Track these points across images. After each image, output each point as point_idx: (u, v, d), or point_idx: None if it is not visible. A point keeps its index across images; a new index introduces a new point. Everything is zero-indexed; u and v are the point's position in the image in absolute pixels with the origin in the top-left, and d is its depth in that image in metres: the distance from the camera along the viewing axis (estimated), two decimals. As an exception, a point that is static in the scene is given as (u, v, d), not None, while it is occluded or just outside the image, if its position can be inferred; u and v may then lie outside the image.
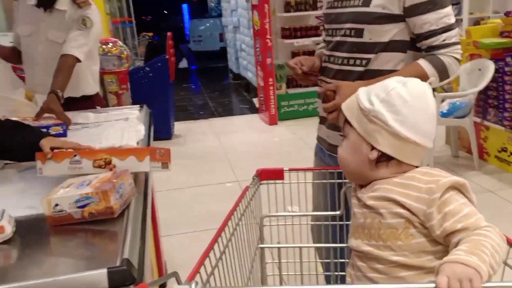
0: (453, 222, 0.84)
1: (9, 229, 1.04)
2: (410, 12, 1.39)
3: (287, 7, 5.79)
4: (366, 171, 0.98)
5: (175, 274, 0.70)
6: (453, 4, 6.61)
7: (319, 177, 1.48)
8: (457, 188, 0.89)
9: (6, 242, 1.03)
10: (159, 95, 5.01)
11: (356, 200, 1.01)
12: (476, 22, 7.32)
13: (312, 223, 1.55)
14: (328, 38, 1.58)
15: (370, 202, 0.95)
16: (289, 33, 5.82)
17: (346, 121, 1.00)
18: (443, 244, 0.88)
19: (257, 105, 6.35)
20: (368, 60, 1.45)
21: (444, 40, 1.38)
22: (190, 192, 3.80)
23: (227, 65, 10.13)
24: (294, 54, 5.90)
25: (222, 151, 4.82)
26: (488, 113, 3.83)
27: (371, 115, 0.95)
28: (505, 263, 0.89)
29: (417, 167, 0.97)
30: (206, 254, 0.87)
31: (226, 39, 10.16)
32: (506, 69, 3.57)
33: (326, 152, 1.65)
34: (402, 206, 0.90)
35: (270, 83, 5.64)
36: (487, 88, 3.72)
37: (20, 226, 1.08)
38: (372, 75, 1.43)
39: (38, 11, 2.32)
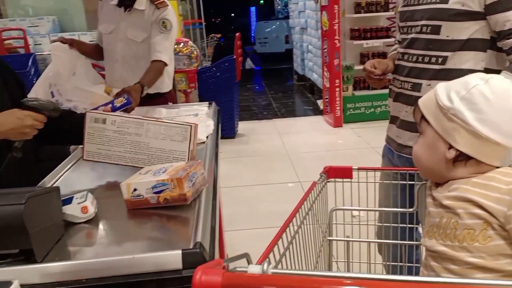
0: None
1: (91, 210, 1.12)
2: (492, 9, 1.33)
3: (357, 8, 5.71)
4: (443, 170, 0.95)
5: (246, 255, 0.72)
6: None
7: (387, 178, 1.45)
8: None
9: (89, 221, 1.12)
10: (225, 94, 5.13)
11: (431, 199, 0.99)
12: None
13: (380, 224, 1.52)
14: (403, 36, 1.55)
15: (446, 202, 0.93)
16: (358, 34, 5.73)
17: (423, 117, 0.98)
18: None
19: (321, 107, 6.31)
20: (445, 58, 1.41)
21: None
22: (252, 190, 3.86)
23: (292, 66, 10.15)
24: (363, 56, 5.80)
25: (285, 152, 4.84)
26: None
27: (450, 113, 0.92)
28: None
29: (497, 167, 0.93)
30: (276, 240, 0.89)
31: (292, 40, 10.19)
32: None
33: (395, 153, 1.62)
34: (481, 207, 0.87)
35: (336, 84, 5.59)
36: None
37: (101, 208, 1.17)
38: (448, 74, 1.38)
39: (119, 11, 2.47)
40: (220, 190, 2.38)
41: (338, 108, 5.63)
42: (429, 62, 1.44)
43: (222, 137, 5.12)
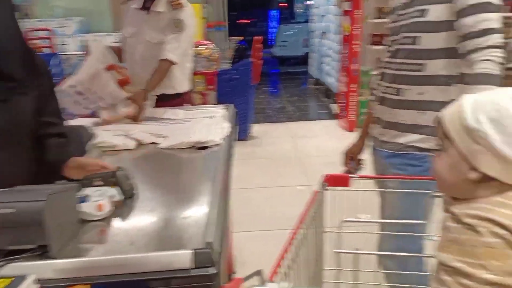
0: None
1: (107, 207, 1.16)
2: (457, 16, 1.44)
3: (380, 14, 5.71)
4: (464, 189, 0.95)
5: (259, 273, 0.74)
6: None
7: (389, 185, 1.51)
8: None
9: (105, 219, 1.16)
10: (240, 96, 5.16)
11: (450, 214, 0.98)
12: None
13: (387, 232, 1.55)
14: (390, 48, 1.69)
15: (467, 220, 0.91)
16: (380, 39, 5.72)
17: (446, 134, 0.96)
18: None
19: (335, 111, 6.31)
20: (424, 65, 1.53)
21: (478, 45, 1.39)
22: (262, 192, 3.88)
23: (307, 70, 10.15)
24: (380, 61, 5.79)
25: (297, 155, 4.86)
26: None
27: (476, 135, 0.90)
28: None
29: None
30: (283, 255, 0.91)
31: (311, 44, 10.19)
32: None
33: (377, 149, 1.72)
34: (504, 227, 0.87)
35: (352, 88, 5.60)
36: None
37: (117, 207, 1.21)
38: (427, 80, 1.53)
39: (141, 14, 2.52)
40: (230, 191, 2.43)
41: (353, 112, 5.63)
42: (410, 70, 1.56)
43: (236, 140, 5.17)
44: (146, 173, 1.61)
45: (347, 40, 5.66)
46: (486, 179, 0.91)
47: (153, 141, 1.83)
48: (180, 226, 1.15)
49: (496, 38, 1.39)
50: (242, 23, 19.75)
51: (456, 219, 0.94)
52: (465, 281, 0.89)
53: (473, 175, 0.91)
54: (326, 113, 6.91)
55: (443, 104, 1.03)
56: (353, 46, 5.49)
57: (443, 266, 0.95)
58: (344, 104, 5.75)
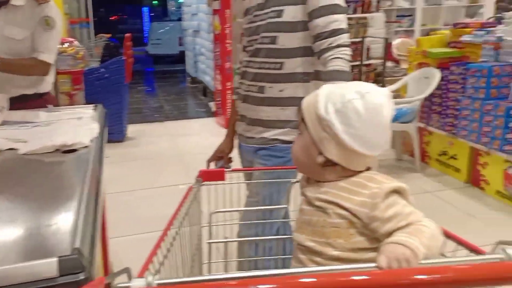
0: (396, 222, 0.90)
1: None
2: (309, 16, 1.57)
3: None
4: (314, 171, 1.03)
5: (126, 270, 0.73)
6: (405, 16, 6.89)
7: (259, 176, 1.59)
8: (398, 192, 0.94)
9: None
10: (113, 96, 4.96)
11: (303, 198, 1.07)
12: (428, 33, 7.70)
13: (255, 221, 1.62)
14: (249, 48, 1.75)
15: (317, 203, 1.00)
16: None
17: (304, 119, 1.03)
18: (382, 241, 0.92)
19: (213, 109, 6.39)
20: (282, 63, 1.63)
21: (330, 44, 1.54)
22: (142, 194, 3.79)
23: (184, 68, 10.10)
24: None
25: (177, 153, 4.82)
26: (431, 119, 4.05)
27: (324, 123, 0.97)
28: (442, 255, 0.95)
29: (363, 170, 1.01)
30: (155, 249, 0.91)
31: (185, 42, 10.14)
32: (450, 77, 3.80)
33: (242, 145, 1.81)
34: (346, 209, 0.95)
35: (227, 87, 5.70)
36: (432, 95, 3.93)
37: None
38: (286, 77, 1.63)
39: None
40: (105, 196, 2.32)
41: (229, 110, 5.74)
42: (269, 68, 1.65)
43: (110, 141, 4.94)
44: (3, 182, 1.46)
45: (218, 38, 5.75)
46: (331, 164, 1.00)
47: (11, 147, 1.67)
48: (45, 234, 1.07)
49: (345, 38, 1.54)
50: (113, 20, 18.93)
51: (309, 202, 1.03)
52: (316, 259, 0.99)
53: (320, 159, 1.00)
54: (204, 111, 6.96)
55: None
56: (226, 44, 5.59)
57: (299, 246, 1.04)
58: (221, 102, 5.85)
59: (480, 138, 3.48)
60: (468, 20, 5.28)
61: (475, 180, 3.66)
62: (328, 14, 1.53)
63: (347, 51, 1.55)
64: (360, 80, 5.82)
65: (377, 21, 6.39)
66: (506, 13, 3.85)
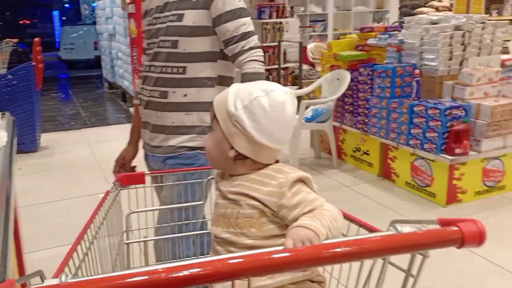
0: (302, 208, 0.97)
1: None
2: (216, 22, 1.58)
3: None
4: (226, 165, 1.08)
5: (39, 272, 0.71)
6: (319, 21, 7.22)
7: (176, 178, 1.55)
8: (303, 181, 1.02)
9: None
10: (23, 104, 4.70)
11: (218, 192, 1.11)
12: (339, 37, 8.11)
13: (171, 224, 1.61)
14: (148, 51, 1.72)
15: (230, 196, 1.06)
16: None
17: (215, 116, 1.08)
18: None
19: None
20: (184, 68, 1.61)
21: (243, 47, 1.58)
22: (58, 206, 3.61)
23: (102, 74, 9.77)
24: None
25: (95, 161, 4.66)
26: (345, 118, 4.28)
27: (234, 119, 1.03)
28: (344, 235, 1.03)
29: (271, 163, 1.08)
30: (71, 253, 0.90)
31: (101, 47, 9.80)
32: (360, 78, 4.04)
33: (149, 154, 1.76)
34: (257, 199, 1.01)
35: (146, 91, 5.60)
36: (344, 95, 4.16)
37: None
38: (189, 82, 1.61)
39: None
40: (17, 209, 2.20)
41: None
42: (172, 72, 1.63)
43: (22, 152, 4.69)
44: None
45: (135, 42, 5.65)
46: (242, 157, 1.06)
47: None
48: None
49: (255, 40, 1.60)
50: (22, 24, 17.82)
51: (223, 195, 1.08)
52: (231, 249, 1.04)
53: (232, 154, 1.05)
54: (124, 117, 6.77)
55: (207, 105, 1.14)
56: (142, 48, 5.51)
57: (216, 238, 1.08)
58: (141, 106, 5.74)
59: (388, 134, 3.74)
60: (374, 25, 5.65)
61: (386, 173, 3.92)
62: (236, 18, 1.56)
63: (260, 53, 1.61)
64: (278, 82, 5.99)
65: (292, 26, 6.63)
66: (406, 17, 4.19)
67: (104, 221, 1.19)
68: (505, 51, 3.91)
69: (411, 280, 0.90)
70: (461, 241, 0.74)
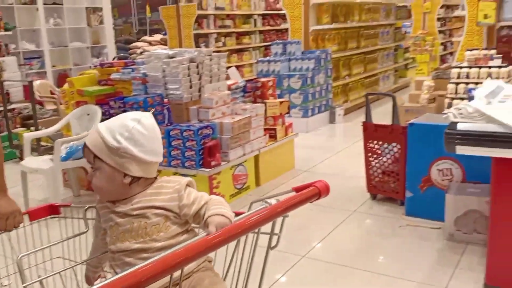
0: (198, 203, 1.22)
1: None
2: None
3: None
4: (123, 191, 1.22)
5: None
6: (34, 58, 6.95)
7: None
8: (191, 183, 1.27)
9: None
10: None
11: (114, 214, 1.21)
12: (61, 74, 7.88)
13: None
14: None
15: (135, 212, 1.20)
16: None
17: (96, 156, 1.19)
18: (191, 222, 1.24)
19: None
20: None
21: None
22: None
23: None
24: None
25: None
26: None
27: (120, 151, 1.18)
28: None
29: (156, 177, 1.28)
30: None
31: None
32: (111, 111, 4.18)
33: None
34: (161, 208, 1.21)
35: None
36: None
37: None
38: None
39: None
40: None
41: None
42: None
43: None
44: None
45: None
46: (136, 180, 1.24)
47: None
48: None
49: None
50: None
51: (123, 215, 1.21)
52: (143, 255, 1.21)
53: (127, 180, 1.23)
54: None
55: None
56: None
57: (124, 252, 1.21)
58: None
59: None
60: (113, 61, 5.84)
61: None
62: None
63: None
64: (7, 125, 5.44)
65: (9, 64, 6.13)
66: (124, 52, 4.53)
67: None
68: (227, 77, 4.75)
69: (274, 238, 1.24)
70: (318, 195, 1.15)
